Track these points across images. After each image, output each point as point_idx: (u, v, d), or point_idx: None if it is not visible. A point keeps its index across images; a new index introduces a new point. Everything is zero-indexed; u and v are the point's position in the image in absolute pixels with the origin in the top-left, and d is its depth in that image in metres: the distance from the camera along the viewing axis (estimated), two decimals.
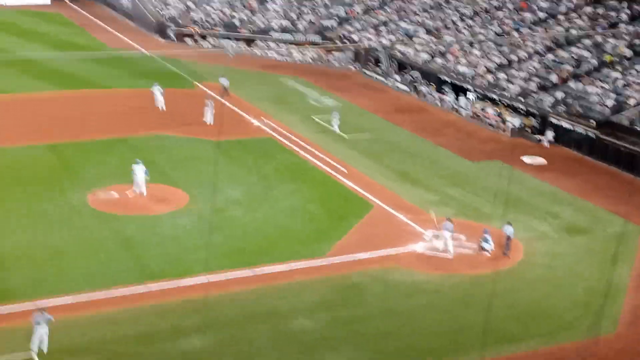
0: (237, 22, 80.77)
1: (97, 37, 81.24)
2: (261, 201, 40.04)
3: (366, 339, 27.92)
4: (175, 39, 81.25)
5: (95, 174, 42.52)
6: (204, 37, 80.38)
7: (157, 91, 55.40)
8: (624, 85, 52.25)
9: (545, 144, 51.40)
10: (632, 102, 50.04)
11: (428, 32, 70.54)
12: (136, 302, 29.62)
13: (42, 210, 37.49)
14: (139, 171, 39.45)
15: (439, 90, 61.67)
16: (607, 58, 55.85)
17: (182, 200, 39.44)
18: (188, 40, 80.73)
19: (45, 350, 25.93)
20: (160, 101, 55.19)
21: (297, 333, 28.19)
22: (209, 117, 52.05)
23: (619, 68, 54.51)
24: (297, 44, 76.97)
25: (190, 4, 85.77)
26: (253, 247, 34.70)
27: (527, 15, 66.68)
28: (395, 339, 28.02)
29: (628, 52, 55.98)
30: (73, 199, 39.00)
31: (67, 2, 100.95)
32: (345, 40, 74.25)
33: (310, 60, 75.31)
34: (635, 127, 47.62)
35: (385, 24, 74.93)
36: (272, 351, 26.96)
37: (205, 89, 61.58)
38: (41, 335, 25.85)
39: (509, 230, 34.39)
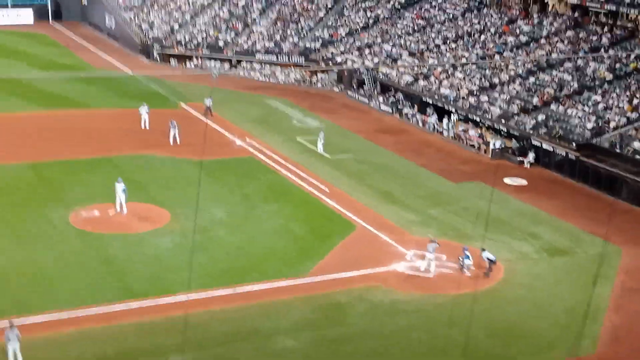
0: (221, 44, 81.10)
1: (82, 57, 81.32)
2: (244, 220, 40.09)
3: (350, 359, 27.93)
4: (159, 60, 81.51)
5: (78, 193, 42.48)
6: (188, 58, 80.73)
7: (144, 111, 55.56)
8: (605, 109, 52.81)
9: (526, 165, 51.80)
10: (612, 125, 50.56)
11: (411, 54, 71.10)
12: (117, 320, 29.55)
13: (24, 228, 37.39)
14: (120, 189, 39.51)
15: (422, 111, 62.10)
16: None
17: (164, 218, 39.44)
18: (172, 61, 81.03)
19: None
20: (145, 121, 55.36)
21: (280, 352, 28.18)
22: (172, 139, 52.00)
23: (600, 91, 55.09)
24: (281, 65, 77.36)
25: (175, 25, 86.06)
26: (236, 267, 34.72)
27: (510, 39, 67.36)
28: (378, 359, 28.06)
29: (609, 76, 56.62)
30: (55, 217, 38.92)
31: (52, 22, 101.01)
32: (329, 62, 74.69)
33: (294, 82, 75.69)
34: (616, 149, 48.11)
35: (368, 46, 75.45)
36: None
37: (189, 109, 61.80)
38: (14, 351, 25.88)
39: (487, 255, 34.55)
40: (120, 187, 39.56)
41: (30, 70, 72.87)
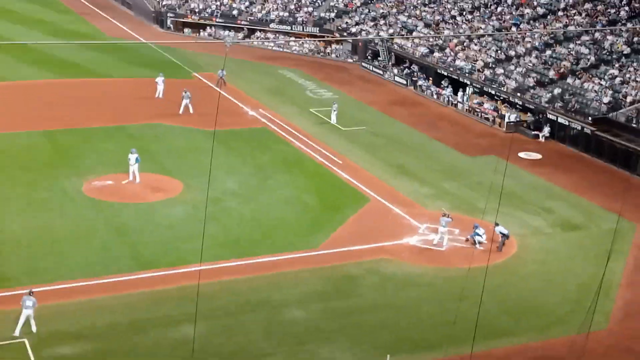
0: (235, 13, 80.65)
1: (96, 25, 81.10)
2: (256, 191, 40.05)
3: (360, 331, 27.95)
4: (173, 29, 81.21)
5: (92, 162, 42.57)
6: (202, 26, 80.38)
7: (160, 81, 55.38)
8: (621, 83, 52.25)
9: (541, 139, 51.43)
10: (629, 99, 50.05)
11: (427, 25, 70.50)
12: (129, 290, 29.68)
13: (37, 197, 37.51)
14: (133, 159, 39.52)
15: (437, 84, 61.68)
16: None
17: (176, 189, 39.47)
18: (186, 29, 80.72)
19: (34, 330, 26.20)
20: (160, 90, 55.23)
21: (290, 323, 28.22)
22: (182, 108, 51.94)
23: (617, 65, 54.48)
24: (295, 35, 76.91)
25: None
26: (247, 237, 34.74)
27: (527, 11, 66.63)
28: (388, 331, 28.06)
29: (626, 50, 55.97)
30: (68, 186, 39.02)
31: None
32: (343, 33, 74.16)
33: (308, 52, 75.28)
34: (632, 124, 47.66)
35: (384, 17, 74.85)
36: (266, 341, 26.98)
37: (202, 78, 61.65)
38: (27, 317, 26.07)
39: (500, 229, 34.37)
40: (133, 157, 39.60)
41: (45, 38, 72.75)
